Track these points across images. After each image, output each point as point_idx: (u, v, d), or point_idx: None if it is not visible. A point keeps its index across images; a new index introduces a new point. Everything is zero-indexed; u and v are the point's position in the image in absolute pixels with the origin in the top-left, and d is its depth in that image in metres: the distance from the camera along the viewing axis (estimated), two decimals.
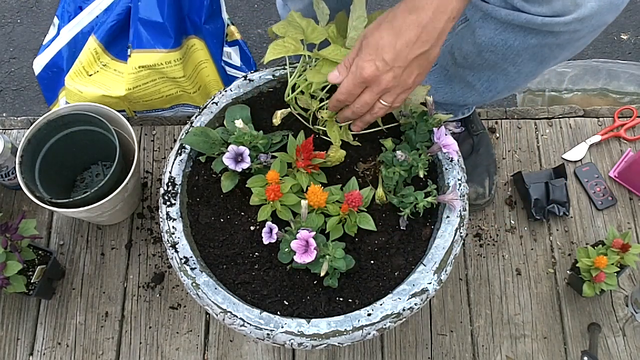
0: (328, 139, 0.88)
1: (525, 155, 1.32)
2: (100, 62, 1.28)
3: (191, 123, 0.92)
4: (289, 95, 0.88)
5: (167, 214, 0.86)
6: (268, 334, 0.77)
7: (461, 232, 0.84)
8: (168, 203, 0.87)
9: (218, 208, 0.90)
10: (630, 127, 1.33)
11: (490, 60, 0.92)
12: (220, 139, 0.90)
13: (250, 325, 0.78)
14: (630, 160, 1.26)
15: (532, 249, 1.23)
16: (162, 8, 1.20)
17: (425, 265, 0.81)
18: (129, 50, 1.24)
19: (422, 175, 0.85)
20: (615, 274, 1.07)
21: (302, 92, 0.86)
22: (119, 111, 1.20)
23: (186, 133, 0.90)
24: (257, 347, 1.15)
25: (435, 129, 0.86)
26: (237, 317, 0.78)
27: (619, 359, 1.13)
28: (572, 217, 1.26)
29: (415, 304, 0.79)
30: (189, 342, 1.16)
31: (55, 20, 1.35)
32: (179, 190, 0.88)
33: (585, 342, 1.15)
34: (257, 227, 0.88)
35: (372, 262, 0.86)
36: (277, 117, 0.88)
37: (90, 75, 1.28)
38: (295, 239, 0.78)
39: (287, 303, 0.83)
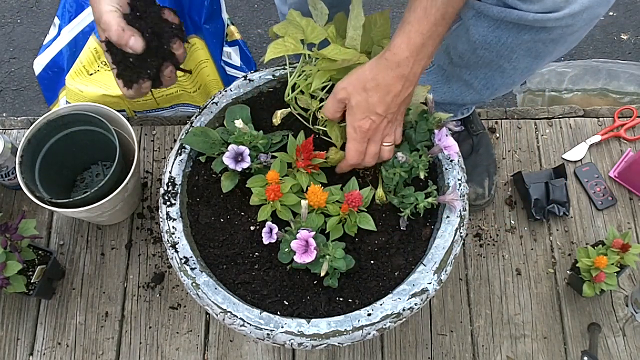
0: (328, 139, 0.88)
1: (525, 155, 1.32)
2: (101, 61, 1.28)
3: (191, 123, 0.92)
4: (288, 95, 0.88)
5: (167, 214, 0.86)
6: (268, 334, 0.77)
7: (461, 232, 0.84)
8: (168, 203, 0.87)
9: (218, 208, 0.90)
10: (630, 127, 1.33)
11: (485, 57, 0.93)
12: (220, 139, 0.90)
13: (250, 325, 0.78)
14: (630, 160, 1.26)
15: (532, 249, 1.23)
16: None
17: (425, 265, 0.81)
18: None
19: (422, 177, 0.85)
20: (615, 274, 1.07)
21: (302, 92, 0.86)
22: (119, 111, 1.20)
23: (186, 133, 0.90)
24: (257, 347, 1.15)
25: (436, 131, 0.86)
26: (237, 317, 0.78)
27: (619, 359, 1.13)
28: (572, 217, 1.26)
29: (415, 304, 0.79)
30: (189, 342, 1.16)
31: (56, 21, 1.35)
32: (179, 190, 0.88)
33: (585, 342, 1.15)
34: (257, 227, 0.88)
35: (372, 262, 0.86)
36: (277, 117, 0.89)
37: (90, 75, 1.28)
38: (295, 239, 0.78)
39: (287, 303, 0.83)
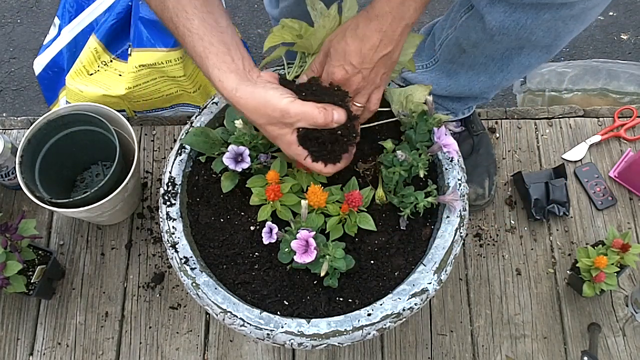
0: None
1: (525, 155, 1.32)
2: (101, 61, 1.28)
3: (191, 123, 0.92)
4: None
5: (167, 214, 0.86)
6: (268, 334, 0.77)
7: (461, 232, 0.84)
8: (168, 203, 0.87)
9: (218, 208, 0.90)
10: (630, 127, 1.33)
11: (503, 42, 0.92)
12: (220, 139, 0.90)
13: (250, 325, 0.78)
14: (630, 160, 1.26)
15: (532, 249, 1.23)
16: None
17: (425, 265, 0.81)
18: (129, 49, 1.24)
19: (422, 175, 0.85)
20: (615, 274, 1.07)
21: None
22: (119, 111, 1.20)
23: (186, 133, 0.90)
24: (257, 347, 1.15)
25: (435, 129, 0.86)
26: (237, 317, 0.78)
27: (619, 359, 1.13)
28: (572, 217, 1.26)
29: (415, 304, 0.79)
30: (189, 342, 1.16)
31: (56, 21, 1.35)
32: (179, 190, 0.88)
33: (585, 342, 1.15)
34: (257, 227, 0.88)
35: (372, 262, 0.86)
36: None
37: (90, 75, 1.28)
38: (295, 239, 0.78)
39: (287, 303, 0.83)
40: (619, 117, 1.35)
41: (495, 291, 1.20)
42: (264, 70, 0.81)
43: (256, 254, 0.86)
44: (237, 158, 0.85)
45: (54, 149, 1.15)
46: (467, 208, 0.86)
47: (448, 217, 0.85)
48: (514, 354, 1.15)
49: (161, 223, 0.86)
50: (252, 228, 0.88)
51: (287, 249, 0.81)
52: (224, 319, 0.79)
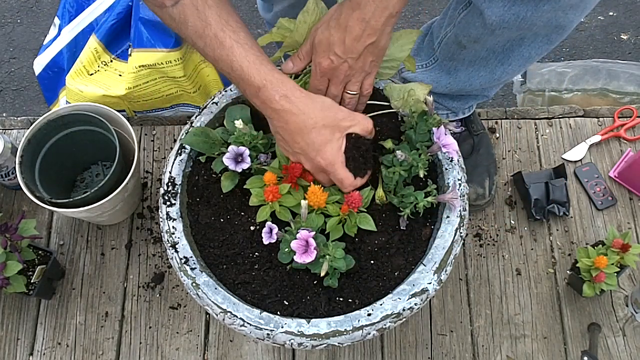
0: None
1: (525, 155, 1.32)
2: (101, 61, 1.28)
3: (191, 123, 0.92)
4: None
5: (167, 214, 0.86)
6: (268, 334, 0.77)
7: (461, 232, 0.84)
8: (168, 203, 0.87)
9: (218, 208, 0.89)
10: (630, 127, 1.33)
11: (504, 35, 0.92)
12: (220, 139, 0.90)
13: (250, 325, 0.78)
14: (630, 160, 1.26)
15: (532, 249, 1.23)
16: None
17: (425, 265, 0.81)
18: (129, 49, 1.24)
19: (422, 175, 0.85)
20: (615, 274, 1.07)
21: None
22: (119, 111, 1.20)
23: (186, 133, 0.90)
24: (257, 347, 1.15)
25: (434, 129, 0.86)
26: (237, 317, 0.78)
27: (619, 359, 1.13)
28: (572, 217, 1.26)
29: (415, 304, 0.79)
30: (189, 342, 1.16)
31: (56, 21, 1.35)
32: (179, 190, 0.88)
33: (585, 342, 1.15)
34: (257, 227, 0.88)
35: (372, 262, 0.86)
36: None
37: (90, 75, 1.28)
38: (295, 239, 0.78)
39: (287, 303, 0.83)
40: (619, 117, 1.35)
41: (495, 291, 1.20)
42: None
43: (256, 254, 0.86)
44: (237, 158, 0.85)
45: (54, 149, 1.15)
46: (467, 208, 0.86)
47: (448, 217, 0.85)
48: (514, 354, 1.15)
49: (161, 223, 0.86)
50: (252, 228, 0.88)
51: (287, 249, 0.81)
52: (224, 319, 0.79)
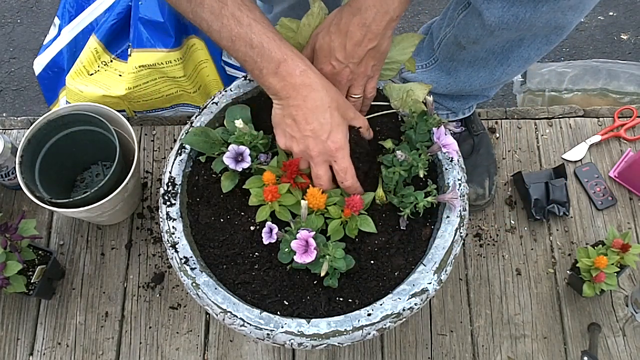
0: None
1: (525, 155, 1.32)
2: (101, 61, 1.28)
3: (191, 123, 0.92)
4: None
5: (167, 214, 0.86)
6: (268, 334, 0.77)
7: (461, 232, 0.84)
8: (168, 203, 0.87)
9: (218, 208, 0.89)
10: (630, 127, 1.33)
11: (503, 36, 0.92)
12: (220, 139, 0.90)
13: (250, 325, 0.78)
14: (630, 160, 1.26)
15: (532, 249, 1.23)
16: (163, 7, 1.20)
17: (425, 265, 0.81)
18: (129, 49, 1.24)
19: (422, 175, 0.85)
20: (615, 274, 1.07)
21: None
22: (119, 111, 1.20)
23: (186, 133, 0.90)
24: (257, 347, 1.15)
25: (435, 129, 0.86)
26: (237, 317, 0.78)
27: (619, 359, 1.13)
28: (572, 217, 1.26)
29: (415, 304, 0.79)
30: (189, 342, 1.16)
31: (56, 21, 1.35)
32: (179, 190, 0.88)
33: (585, 342, 1.15)
34: (257, 227, 0.88)
35: (372, 262, 0.86)
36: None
37: (90, 75, 1.28)
38: (295, 239, 0.78)
39: (287, 303, 0.83)
40: (619, 117, 1.35)
41: (495, 291, 1.20)
42: None
43: (256, 254, 0.86)
44: (238, 158, 0.85)
45: (54, 149, 1.15)
46: (467, 208, 0.86)
47: (448, 217, 0.85)
48: (514, 354, 1.15)
49: (161, 223, 0.86)
50: (252, 228, 0.88)
51: (287, 249, 0.81)
52: (224, 319, 0.79)
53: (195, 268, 0.82)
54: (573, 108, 1.38)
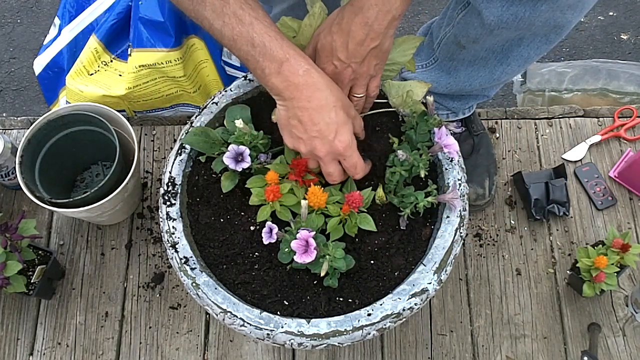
0: None
1: (525, 155, 1.32)
2: (101, 61, 1.28)
3: (191, 123, 0.92)
4: None
5: (167, 214, 0.86)
6: (268, 334, 0.77)
7: (461, 232, 0.84)
8: (168, 203, 0.87)
9: (218, 208, 0.89)
10: (630, 127, 1.33)
11: (503, 35, 0.92)
12: (220, 138, 0.90)
13: (250, 325, 0.78)
14: (630, 160, 1.26)
15: (532, 249, 1.23)
16: (163, 7, 1.20)
17: (425, 265, 0.81)
18: (129, 49, 1.24)
19: (423, 176, 0.85)
20: (615, 274, 1.07)
21: None
22: (119, 111, 1.20)
23: (186, 133, 0.90)
24: (257, 347, 1.15)
25: (436, 129, 0.86)
26: (237, 317, 0.78)
27: (619, 359, 1.13)
28: (572, 217, 1.26)
29: (415, 304, 0.79)
30: (189, 342, 1.16)
31: (56, 21, 1.35)
32: (179, 190, 0.88)
33: (585, 342, 1.15)
34: (257, 227, 0.88)
35: (372, 262, 0.86)
36: (276, 114, 0.88)
37: (90, 75, 1.28)
38: (296, 239, 0.78)
39: (287, 303, 0.83)
40: (619, 117, 1.35)
41: (495, 291, 1.20)
42: None
43: (256, 254, 0.86)
44: (238, 158, 0.85)
45: (54, 149, 1.15)
46: (467, 208, 0.86)
47: (448, 217, 0.85)
48: (514, 354, 1.15)
49: (161, 223, 0.86)
50: (252, 228, 0.88)
51: (287, 249, 0.81)
52: (224, 319, 0.79)
53: (195, 268, 0.82)
54: (573, 108, 1.38)
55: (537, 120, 1.36)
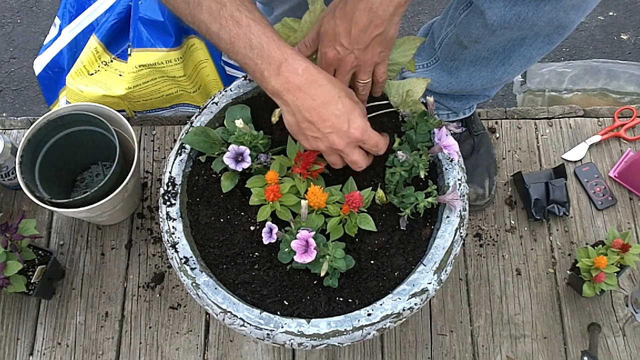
0: None
1: (525, 155, 1.32)
2: (101, 61, 1.28)
3: (191, 123, 0.92)
4: None
5: (167, 214, 0.86)
6: (268, 334, 0.77)
7: (461, 232, 0.84)
8: (168, 203, 0.87)
9: (218, 208, 0.89)
10: (630, 127, 1.33)
11: (505, 35, 0.92)
12: (220, 138, 0.90)
13: (250, 325, 0.78)
14: (630, 160, 1.26)
15: (532, 249, 1.23)
16: (163, 7, 1.20)
17: (425, 265, 0.81)
18: (129, 49, 1.24)
19: (423, 176, 0.85)
20: (615, 274, 1.07)
21: None
22: (119, 111, 1.20)
23: (186, 133, 0.90)
24: (257, 347, 1.15)
25: (436, 130, 0.86)
26: (237, 317, 0.78)
27: (619, 359, 1.13)
28: (572, 217, 1.26)
29: (415, 304, 0.79)
30: (189, 342, 1.16)
31: (57, 21, 1.35)
32: (179, 190, 0.88)
33: (585, 342, 1.15)
34: (257, 227, 0.88)
35: (372, 262, 0.86)
36: (276, 115, 0.88)
37: (91, 75, 1.28)
38: (295, 239, 0.78)
39: (287, 303, 0.83)
40: (619, 117, 1.35)
41: (495, 291, 1.20)
42: None
43: (256, 254, 0.86)
44: (238, 158, 0.85)
45: (54, 149, 1.15)
46: (467, 208, 0.86)
47: (448, 217, 0.85)
48: (514, 354, 1.15)
49: (161, 223, 0.86)
50: (252, 228, 0.88)
51: (287, 249, 0.81)
52: (224, 319, 0.79)
53: (195, 268, 0.82)
54: (573, 108, 1.38)
55: (537, 120, 1.36)
